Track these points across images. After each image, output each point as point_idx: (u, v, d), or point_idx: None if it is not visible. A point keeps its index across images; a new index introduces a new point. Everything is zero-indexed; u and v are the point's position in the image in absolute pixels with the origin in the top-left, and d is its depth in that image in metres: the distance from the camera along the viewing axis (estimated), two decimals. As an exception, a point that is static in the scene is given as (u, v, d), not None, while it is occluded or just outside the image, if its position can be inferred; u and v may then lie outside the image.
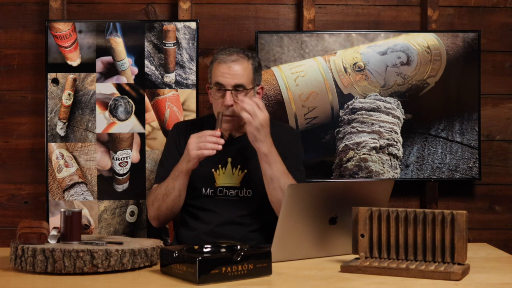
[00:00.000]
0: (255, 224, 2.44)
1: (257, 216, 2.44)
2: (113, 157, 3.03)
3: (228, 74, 2.37)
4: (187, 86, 3.04)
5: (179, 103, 3.04)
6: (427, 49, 3.07)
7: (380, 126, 3.05)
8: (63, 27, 3.01)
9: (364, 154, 3.05)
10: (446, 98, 3.09)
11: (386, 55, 3.06)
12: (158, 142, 3.02)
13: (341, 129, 3.06)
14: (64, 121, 3.02)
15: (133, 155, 3.04)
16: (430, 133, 3.09)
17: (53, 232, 1.95)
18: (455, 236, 1.80)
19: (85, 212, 3.01)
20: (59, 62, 3.02)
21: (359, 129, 3.05)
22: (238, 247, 1.79)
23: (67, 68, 3.02)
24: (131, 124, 3.04)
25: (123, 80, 3.03)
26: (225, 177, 2.43)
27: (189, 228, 2.47)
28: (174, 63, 3.03)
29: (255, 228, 2.43)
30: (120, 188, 3.04)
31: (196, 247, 1.81)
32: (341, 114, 3.06)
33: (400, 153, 3.07)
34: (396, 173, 3.07)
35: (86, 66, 3.02)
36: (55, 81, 3.02)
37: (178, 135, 2.52)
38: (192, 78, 3.04)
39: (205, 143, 2.26)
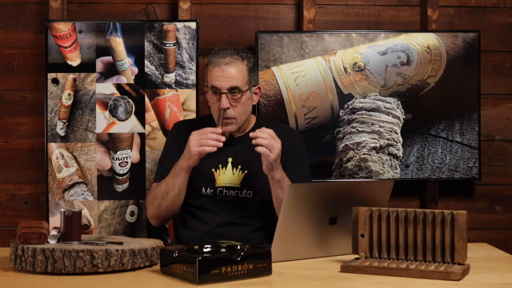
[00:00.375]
0: (255, 224, 2.43)
1: (257, 217, 2.43)
2: (113, 157, 3.03)
3: (223, 77, 2.37)
4: (187, 86, 3.04)
5: (179, 103, 3.04)
6: (427, 49, 3.07)
7: (380, 126, 3.05)
8: (63, 27, 3.01)
9: (364, 154, 3.05)
10: (446, 98, 3.09)
11: (386, 55, 3.06)
12: (158, 142, 3.02)
13: (341, 129, 3.06)
14: (64, 121, 3.02)
15: (133, 155, 3.04)
16: (430, 133, 3.09)
17: (53, 232, 1.95)
18: (455, 236, 1.80)
19: (85, 212, 3.01)
20: (59, 62, 3.02)
21: (359, 129, 3.05)
22: (238, 247, 1.79)
23: (67, 68, 3.02)
24: (131, 124, 3.04)
25: (123, 80, 3.03)
26: (225, 177, 2.43)
27: (189, 228, 2.47)
28: (174, 63, 3.03)
29: (255, 229, 2.43)
30: (120, 188, 3.04)
31: (196, 247, 1.81)
32: (341, 114, 3.06)
33: (400, 153, 3.07)
34: (396, 173, 3.07)
35: (86, 66, 3.02)
36: (55, 81, 3.02)
37: (178, 135, 2.52)
38: (192, 78, 3.04)
39: (206, 140, 2.26)
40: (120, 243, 1.90)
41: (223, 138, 2.28)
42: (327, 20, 3.19)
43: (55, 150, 3.01)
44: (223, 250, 1.78)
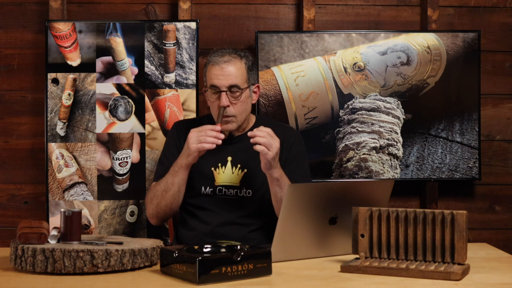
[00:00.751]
0: (255, 224, 2.43)
1: (257, 216, 2.43)
2: (113, 157, 3.03)
3: (222, 75, 2.37)
4: (187, 86, 3.04)
5: (179, 103, 3.04)
6: (427, 49, 3.07)
7: (380, 126, 3.05)
8: (63, 27, 3.01)
9: (364, 154, 3.05)
10: (446, 98, 3.09)
11: (386, 55, 3.06)
12: (158, 142, 3.02)
13: (341, 129, 3.06)
14: (64, 121, 3.02)
15: (133, 155, 3.04)
16: (430, 133, 3.09)
17: (53, 232, 1.95)
18: (455, 236, 1.80)
19: (85, 212, 3.02)
20: (59, 62, 3.02)
21: (359, 129, 3.05)
22: (238, 247, 1.79)
23: (67, 68, 3.02)
24: (131, 124, 3.04)
25: (123, 80, 3.03)
26: (224, 176, 2.43)
27: (189, 228, 2.47)
28: (174, 63, 3.03)
29: (255, 228, 2.43)
30: (120, 188, 3.04)
31: (196, 247, 1.81)
32: (341, 114, 3.06)
33: (400, 153, 3.07)
34: (396, 173, 3.07)
35: (86, 66, 3.02)
36: (55, 81, 3.02)
37: (178, 134, 2.52)
38: (192, 78, 3.04)
39: (205, 137, 2.27)
40: (120, 243, 1.90)
41: (222, 136, 2.28)
42: (327, 20, 3.19)
43: (55, 150, 3.01)
44: (223, 250, 1.78)
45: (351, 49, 3.07)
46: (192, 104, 3.04)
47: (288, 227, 1.97)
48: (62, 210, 1.96)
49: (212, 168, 2.44)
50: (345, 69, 3.06)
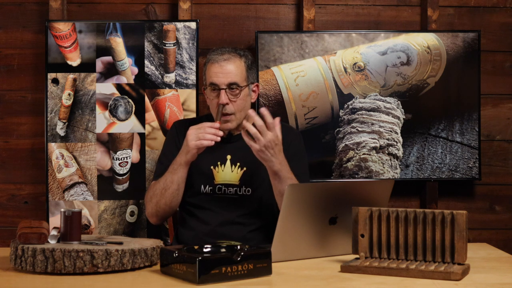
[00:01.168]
0: (255, 223, 2.44)
1: (257, 215, 2.44)
2: (113, 157, 3.03)
3: (221, 73, 2.39)
4: (187, 86, 3.04)
5: (179, 103, 3.04)
6: (427, 49, 3.07)
7: (380, 126, 3.05)
8: (63, 27, 3.01)
9: (364, 154, 3.05)
10: (446, 98, 3.09)
11: (386, 55, 3.06)
12: (158, 142, 3.02)
13: (341, 129, 3.06)
14: (64, 121, 3.02)
15: (133, 155, 3.04)
16: (430, 133, 3.09)
17: (53, 232, 1.95)
18: (455, 236, 1.80)
19: (85, 212, 3.02)
20: (59, 62, 3.02)
21: (359, 129, 3.05)
22: (238, 247, 1.79)
23: (67, 68, 3.02)
24: (131, 124, 3.04)
25: (123, 80, 3.03)
26: (224, 174, 2.44)
27: (188, 228, 2.48)
28: (174, 63, 3.03)
29: (255, 228, 2.43)
30: (120, 188, 3.04)
31: (196, 247, 1.81)
32: (341, 114, 3.06)
33: (400, 153, 3.07)
34: (396, 173, 3.07)
35: (86, 66, 3.02)
36: (55, 81, 3.02)
37: (177, 133, 2.53)
38: (192, 78, 3.04)
39: (204, 134, 2.28)
40: (120, 243, 1.90)
41: (221, 133, 2.30)
42: (327, 20, 3.19)
43: (55, 150, 3.01)
44: (223, 250, 1.78)
45: (351, 49, 3.07)
46: (192, 104, 3.04)
47: (288, 227, 1.97)
48: (62, 210, 1.96)
49: (212, 167, 2.44)
50: (345, 69, 3.06)
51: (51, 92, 3.01)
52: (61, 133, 3.02)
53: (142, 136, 3.04)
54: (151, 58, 3.03)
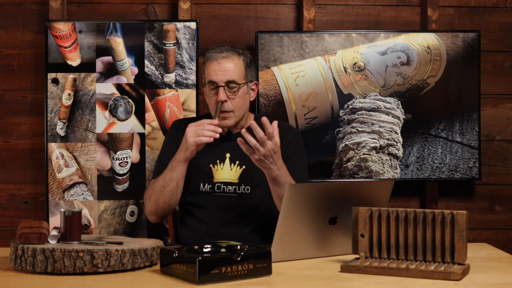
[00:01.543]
0: (255, 223, 2.44)
1: (256, 214, 2.44)
2: (113, 157, 3.03)
3: (220, 70, 2.41)
4: (187, 86, 3.04)
5: (179, 103, 3.04)
6: (427, 49, 3.07)
7: (380, 126, 3.05)
8: (63, 27, 3.01)
9: (364, 154, 3.05)
10: (446, 98, 3.09)
11: (386, 55, 3.06)
12: (158, 142, 3.02)
13: (341, 129, 3.06)
14: (64, 121, 3.02)
15: (133, 155, 3.04)
16: (430, 133, 3.09)
17: (53, 232, 1.95)
18: (455, 236, 1.80)
19: (85, 212, 3.02)
20: (59, 62, 3.02)
21: (359, 129, 3.05)
22: (238, 247, 1.79)
23: (67, 68, 3.02)
24: (131, 124, 3.04)
25: (123, 80, 3.03)
26: (223, 173, 2.44)
27: (188, 228, 2.48)
28: (174, 63, 3.03)
29: (255, 228, 2.44)
30: (120, 188, 3.04)
31: (196, 247, 1.82)
32: (341, 114, 3.06)
33: (400, 153, 3.07)
34: (396, 173, 3.07)
35: (86, 66, 3.02)
36: (55, 81, 3.02)
37: (177, 132, 2.53)
38: (192, 78, 3.04)
39: (203, 131, 2.29)
40: (120, 243, 1.90)
41: (220, 130, 2.31)
42: (327, 20, 3.19)
43: (55, 150, 3.01)
44: (223, 250, 1.78)
45: (351, 49, 3.07)
46: (192, 104, 3.04)
47: (288, 227, 1.97)
48: (62, 210, 1.96)
49: (211, 165, 2.45)
50: (345, 69, 3.06)
51: (51, 92, 3.01)
52: (61, 133, 3.02)
53: (142, 136, 3.04)
54: (151, 58, 3.03)
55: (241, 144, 2.20)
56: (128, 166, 3.03)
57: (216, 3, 3.17)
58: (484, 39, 3.17)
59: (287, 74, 3.05)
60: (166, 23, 3.04)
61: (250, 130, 2.22)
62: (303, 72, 3.05)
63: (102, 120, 3.02)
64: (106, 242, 1.91)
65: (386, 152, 3.06)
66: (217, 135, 2.30)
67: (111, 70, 3.03)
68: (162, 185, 2.38)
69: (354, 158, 3.05)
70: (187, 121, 2.59)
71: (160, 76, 3.03)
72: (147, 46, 3.03)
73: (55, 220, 2.95)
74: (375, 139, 3.05)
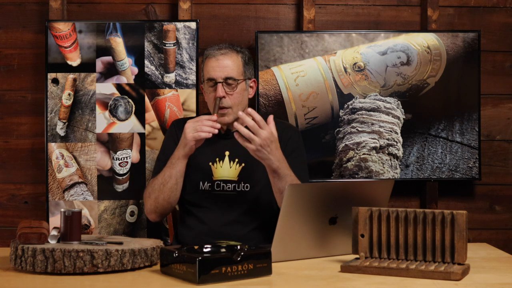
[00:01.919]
0: (254, 222, 2.44)
1: (256, 213, 2.44)
2: (113, 157, 3.03)
3: (218, 67, 2.42)
4: (187, 86, 3.04)
5: (179, 103, 3.04)
6: (427, 49, 3.07)
7: (380, 126, 3.05)
8: (63, 27, 3.01)
9: (364, 154, 3.05)
10: (446, 98, 3.09)
11: (386, 55, 3.06)
12: (158, 142, 3.02)
13: (341, 129, 3.06)
14: (64, 121, 3.02)
15: (133, 155, 3.04)
16: (430, 133, 3.09)
17: (53, 232, 1.95)
18: (455, 236, 1.80)
19: (85, 212, 3.02)
20: (59, 62, 3.02)
21: (359, 129, 3.05)
22: (238, 247, 1.79)
23: (67, 68, 3.02)
24: (131, 124, 3.04)
25: (123, 80, 3.03)
26: (222, 171, 2.44)
27: (188, 228, 2.48)
28: (174, 63, 3.03)
29: (255, 227, 2.44)
30: (120, 188, 3.04)
31: (196, 247, 1.81)
32: (341, 114, 3.06)
33: (400, 153, 3.07)
34: (396, 173, 3.07)
35: (86, 66, 3.02)
36: (55, 81, 3.02)
37: (176, 132, 2.54)
38: (192, 78, 3.04)
39: (201, 126, 2.30)
40: (120, 243, 1.90)
41: (218, 125, 2.32)
42: (327, 20, 3.20)
43: (55, 150, 3.01)
44: (223, 250, 1.78)
45: (351, 49, 3.07)
46: (192, 104, 3.04)
47: (288, 227, 1.97)
48: (62, 210, 1.96)
49: (210, 163, 2.45)
50: (345, 69, 3.06)
51: (51, 92, 3.01)
52: (61, 133, 3.02)
53: (142, 136, 3.04)
54: (151, 58, 3.03)
55: (237, 137, 2.22)
56: (128, 166, 3.03)
57: (216, 3, 3.17)
58: (484, 39, 3.17)
59: (287, 74, 3.05)
60: (166, 23, 3.04)
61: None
62: (303, 72, 3.06)
63: (102, 120, 3.02)
64: (106, 242, 1.91)
65: (386, 152, 3.06)
66: (216, 131, 2.31)
67: (111, 70, 3.03)
68: (162, 182, 2.38)
69: (354, 158, 3.05)
70: (186, 121, 2.59)
71: (160, 76, 3.03)
72: (147, 46, 3.03)
73: (55, 220, 2.95)
74: (375, 139, 3.05)
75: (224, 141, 2.48)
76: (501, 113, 3.22)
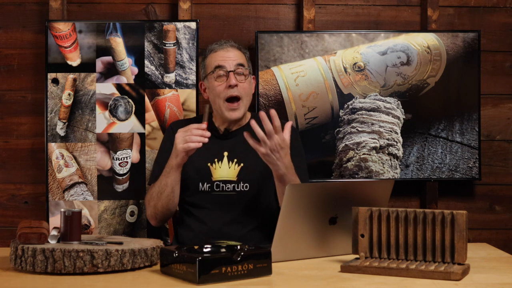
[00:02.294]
0: (254, 222, 2.44)
1: (255, 213, 2.44)
2: (113, 157, 3.03)
3: (227, 56, 2.46)
4: (187, 86, 3.04)
5: (179, 103, 3.04)
6: (427, 49, 3.07)
7: (380, 126, 3.05)
8: (63, 27, 3.01)
9: (364, 154, 3.05)
10: (446, 98, 3.09)
11: (386, 55, 3.06)
12: (158, 142, 3.02)
13: (341, 129, 3.06)
14: (64, 121, 3.02)
15: (133, 155, 3.04)
16: (430, 133, 3.09)
17: (53, 232, 1.95)
18: (455, 236, 1.80)
19: (85, 212, 3.02)
20: (59, 62, 3.02)
21: (359, 129, 3.05)
22: (238, 247, 1.79)
23: (67, 68, 3.02)
24: (131, 124, 3.04)
25: (123, 80, 3.03)
26: (221, 171, 2.44)
27: (188, 228, 2.48)
28: (174, 63, 3.03)
29: (254, 227, 2.44)
30: (120, 188, 3.04)
31: (196, 247, 1.82)
32: (341, 114, 3.06)
33: (400, 153, 3.07)
34: (396, 173, 3.07)
35: (86, 66, 3.02)
36: (55, 81, 3.02)
37: (174, 134, 2.53)
38: (192, 78, 3.04)
39: (190, 136, 2.27)
40: (120, 243, 1.90)
41: (208, 134, 2.27)
42: (327, 20, 3.19)
43: (55, 150, 3.01)
44: (223, 250, 1.78)
45: (351, 49, 3.07)
46: (192, 104, 3.04)
47: (288, 227, 1.97)
48: (62, 210, 1.96)
49: (209, 164, 2.45)
50: (345, 69, 3.06)
51: (51, 92, 3.01)
52: (61, 133, 3.02)
53: (142, 136, 3.04)
54: (151, 58, 3.03)
55: (248, 137, 2.19)
56: (128, 166, 3.03)
57: (216, 3, 3.17)
58: (484, 39, 3.17)
59: (287, 74, 3.05)
60: (166, 23, 3.04)
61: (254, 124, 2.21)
62: (303, 72, 3.06)
63: (102, 120, 3.02)
64: (106, 242, 1.91)
65: (386, 152, 3.06)
66: (206, 140, 2.26)
67: (111, 70, 3.03)
68: (159, 190, 2.38)
69: (354, 158, 3.05)
70: (183, 123, 2.59)
71: (160, 76, 3.03)
72: (147, 46, 3.03)
73: (55, 220, 2.95)
74: (375, 139, 3.05)
75: (223, 141, 2.48)
76: (501, 113, 3.22)
